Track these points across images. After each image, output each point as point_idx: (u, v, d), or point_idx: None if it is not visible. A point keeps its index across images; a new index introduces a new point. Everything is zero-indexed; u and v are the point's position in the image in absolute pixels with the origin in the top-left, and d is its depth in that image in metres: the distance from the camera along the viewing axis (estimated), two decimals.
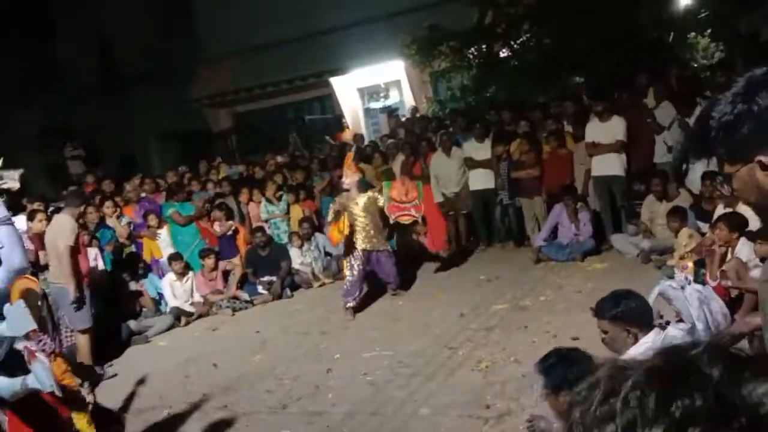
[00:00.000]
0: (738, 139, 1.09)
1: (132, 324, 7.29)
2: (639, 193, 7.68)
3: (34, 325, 3.08)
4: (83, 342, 6.10)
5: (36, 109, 13.98)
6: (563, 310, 5.86)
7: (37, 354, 3.12)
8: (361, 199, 6.95)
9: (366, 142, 11.46)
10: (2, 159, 3.44)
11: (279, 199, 9.20)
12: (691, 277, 4.53)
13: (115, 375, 6.20)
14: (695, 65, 10.48)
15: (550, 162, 8.15)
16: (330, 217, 7.21)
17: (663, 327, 2.79)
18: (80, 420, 3.70)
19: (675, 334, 2.73)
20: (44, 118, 14.29)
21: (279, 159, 11.44)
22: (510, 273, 7.41)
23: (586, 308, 5.63)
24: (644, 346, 2.61)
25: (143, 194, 9.10)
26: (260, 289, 8.27)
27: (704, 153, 1.24)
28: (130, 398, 5.52)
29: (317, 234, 8.90)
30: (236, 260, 8.59)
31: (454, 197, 8.70)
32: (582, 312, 5.49)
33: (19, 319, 2.95)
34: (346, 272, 7.06)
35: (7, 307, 2.99)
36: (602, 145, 7.64)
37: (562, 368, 2.44)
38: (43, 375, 3.03)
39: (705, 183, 6.50)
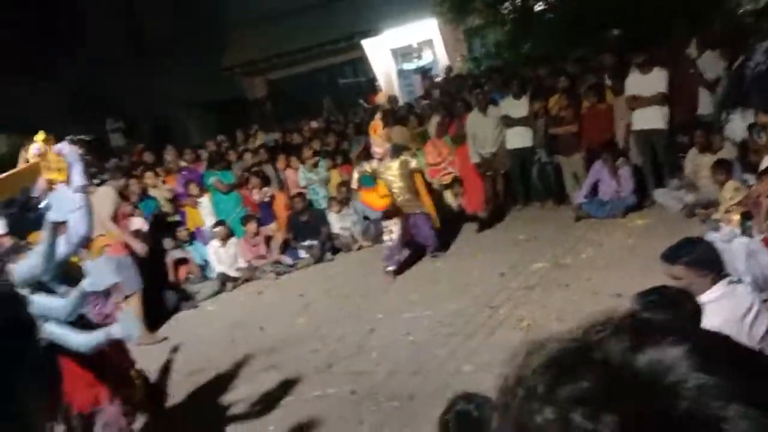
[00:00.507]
0: None
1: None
2: (682, 146, 7.50)
3: (116, 279, 3.20)
4: (135, 304, 6.33)
5: (65, 78, 14.05)
6: (604, 266, 5.81)
7: (122, 305, 3.27)
8: (394, 164, 6.94)
9: (400, 104, 11.38)
10: (42, 133, 3.49)
11: (316, 165, 9.27)
12: (737, 230, 4.44)
13: (165, 339, 6.43)
14: (741, 11, 10.05)
15: (589, 117, 7.98)
16: (354, 185, 7.21)
17: (733, 281, 2.76)
18: (136, 377, 3.88)
19: (743, 291, 2.70)
20: (74, 87, 14.39)
21: (314, 124, 11.48)
22: (549, 232, 7.36)
23: (627, 265, 5.60)
24: (715, 293, 2.62)
25: (183, 164, 9.26)
26: (302, 253, 8.41)
27: (739, 102, 1.20)
28: (179, 361, 5.73)
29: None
30: (273, 226, 8.74)
31: (492, 157, 8.60)
32: (624, 268, 5.46)
33: (101, 274, 3.08)
34: (386, 236, 7.11)
35: (88, 263, 3.13)
36: (643, 98, 7.44)
37: (662, 309, 2.25)
38: (130, 323, 3.16)
39: (750, 134, 6.30)
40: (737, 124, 6.60)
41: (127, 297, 6.28)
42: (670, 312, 2.25)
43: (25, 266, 2.98)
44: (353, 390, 4.48)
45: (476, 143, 8.57)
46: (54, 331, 3.08)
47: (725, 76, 7.06)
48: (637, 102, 7.50)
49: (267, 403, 4.55)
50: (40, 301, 3.03)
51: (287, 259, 8.31)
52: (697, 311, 2.27)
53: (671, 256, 2.71)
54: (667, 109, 7.46)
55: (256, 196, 8.71)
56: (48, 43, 13.65)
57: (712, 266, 2.67)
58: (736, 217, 5.06)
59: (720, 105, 7.08)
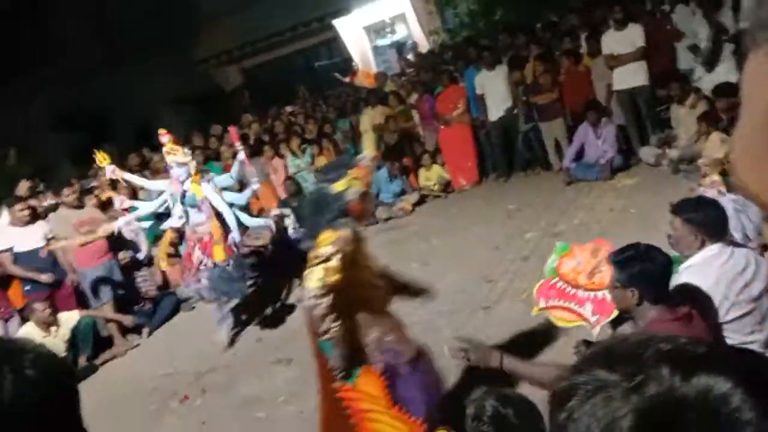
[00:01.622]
0: None
1: (179, 292, 7.47)
2: (662, 100, 7.54)
3: None
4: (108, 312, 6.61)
5: (41, 90, 13.92)
6: (598, 230, 5.87)
7: None
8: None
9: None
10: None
11: (303, 152, 9.28)
12: (723, 189, 4.51)
13: (138, 345, 6.56)
14: None
15: (568, 82, 8.00)
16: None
17: (733, 243, 2.86)
18: None
19: (738, 253, 2.77)
20: (51, 98, 14.25)
21: (288, 109, 11.55)
22: (539, 199, 7.42)
23: (620, 227, 5.68)
24: (707, 254, 2.74)
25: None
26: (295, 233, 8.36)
27: None
28: (186, 363, 5.76)
29: None
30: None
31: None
32: (617, 231, 5.53)
33: None
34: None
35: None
36: (622, 55, 7.45)
37: (639, 263, 2.36)
38: None
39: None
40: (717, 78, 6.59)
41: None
42: (645, 263, 2.36)
43: None
44: None
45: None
46: None
47: (706, 28, 6.95)
48: (616, 60, 7.51)
49: (285, 396, 4.61)
50: None
51: None
52: (668, 263, 2.42)
53: (676, 208, 2.88)
54: (646, 64, 7.48)
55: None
56: (20, 56, 13.44)
57: (708, 230, 2.74)
58: (716, 176, 5.11)
59: (707, 59, 6.98)
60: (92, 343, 6.37)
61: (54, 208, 7.04)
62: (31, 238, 6.39)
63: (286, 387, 4.76)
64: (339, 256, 2.71)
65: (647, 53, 7.41)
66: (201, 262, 5.51)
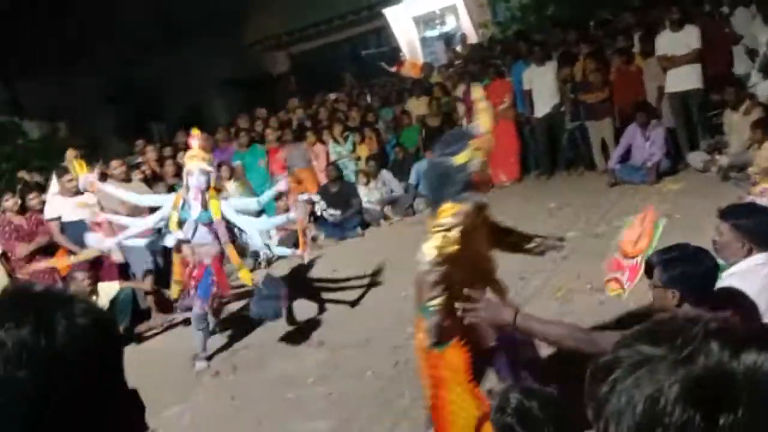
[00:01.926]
0: None
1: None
2: (715, 105, 7.34)
3: None
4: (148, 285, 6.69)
5: (93, 66, 14.26)
6: None
7: None
8: None
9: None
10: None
11: (345, 139, 9.32)
12: None
13: (174, 319, 6.61)
14: None
15: (618, 81, 7.84)
16: None
17: None
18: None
19: None
20: (103, 75, 14.59)
21: (332, 96, 11.58)
22: (581, 199, 7.31)
23: (664, 232, 5.47)
24: (753, 262, 2.66)
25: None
26: (329, 217, 8.42)
27: None
28: (219, 340, 5.86)
29: (383, 171, 9.00)
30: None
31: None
32: (660, 236, 5.39)
33: None
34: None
35: None
36: (677, 56, 7.26)
37: (682, 264, 2.30)
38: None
39: None
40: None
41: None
42: (690, 265, 2.29)
43: None
44: (394, 363, 4.58)
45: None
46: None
47: (766, 32, 6.75)
48: (670, 61, 7.33)
49: (315, 378, 4.66)
50: None
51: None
52: (714, 267, 2.35)
53: (725, 213, 2.81)
54: (700, 67, 7.29)
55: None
56: (75, 32, 13.78)
57: (756, 238, 2.67)
58: (767, 185, 4.97)
59: (764, 66, 6.78)
60: (130, 314, 6.53)
61: (102, 180, 7.23)
62: (78, 209, 6.57)
63: (317, 369, 4.81)
64: (460, 227, 2.69)
65: (702, 56, 7.21)
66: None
